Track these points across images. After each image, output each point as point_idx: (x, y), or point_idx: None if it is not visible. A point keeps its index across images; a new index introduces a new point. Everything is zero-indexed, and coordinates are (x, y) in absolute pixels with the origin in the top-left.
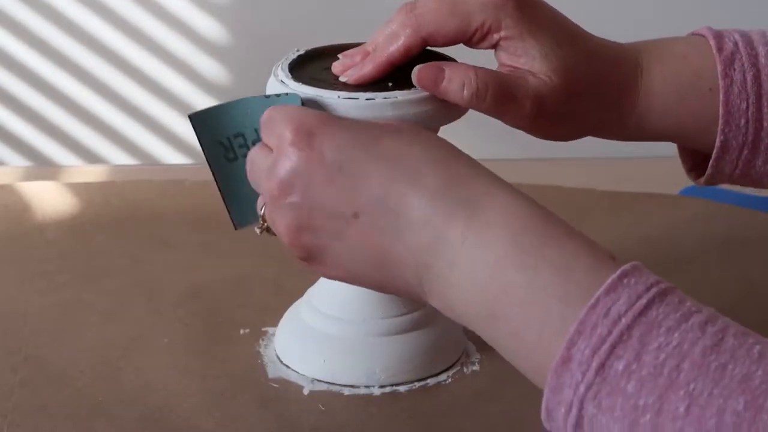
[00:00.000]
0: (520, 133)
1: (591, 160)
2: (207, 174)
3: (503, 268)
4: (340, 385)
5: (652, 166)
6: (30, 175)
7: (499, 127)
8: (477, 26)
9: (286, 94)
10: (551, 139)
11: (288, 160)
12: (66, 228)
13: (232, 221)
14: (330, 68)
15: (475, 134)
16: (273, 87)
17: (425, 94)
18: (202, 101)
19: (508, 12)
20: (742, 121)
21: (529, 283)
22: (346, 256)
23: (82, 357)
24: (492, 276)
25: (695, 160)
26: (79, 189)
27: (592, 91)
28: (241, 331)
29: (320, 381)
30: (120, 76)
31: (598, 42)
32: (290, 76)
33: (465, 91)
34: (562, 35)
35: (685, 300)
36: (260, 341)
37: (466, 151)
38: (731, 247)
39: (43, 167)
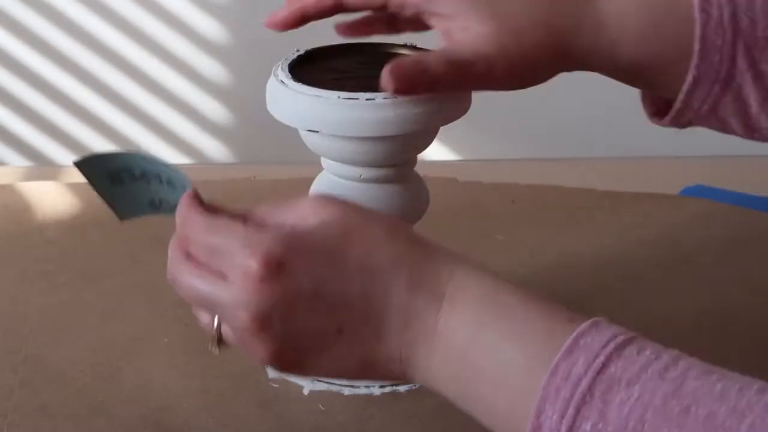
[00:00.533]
0: (520, 133)
1: (591, 160)
2: (207, 174)
3: (469, 351)
4: (340, 385)
5: (652, 166)
6: (31, 175)
7: (499, 127)
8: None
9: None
10: (533, 84)
11: (262, 296)
12: (66, 228)
13: (118, 215)
14: (330, 68)
15: (476, 134)
16: (273, 87)
17: (427, 94)
18: (202, 101)
19: None
20: (717, 58)
21: (493, 360)
22: (332, 364)
23: (82, 357)
24: (461, 359)
25: (657, 105)
26: (79, 189)
27: (541, 30)
28: None
29: (320, 381)
30: (120, 76)
31: None
32: (290, 76)
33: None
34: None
35: (645, 348)
36: None
37: (466, 150)
38: (731, 247)
39: (43, 167)
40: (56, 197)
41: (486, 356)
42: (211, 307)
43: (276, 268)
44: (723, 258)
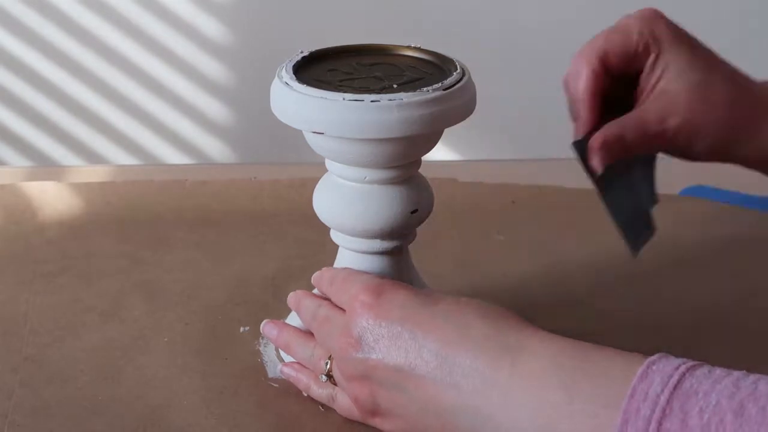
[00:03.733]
0: (520, 133)
1: None
2: (207, 174)
3: (548, 392)
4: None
5: None
6: (31, 176)
7: (499, 127)
8: (637, 37)
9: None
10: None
11: (360, 318)
12: (66, 228)
13: (631, 249)
14: (334, 70)
15: (476, 134)
16: (277, 89)
17: (430, 95)
18: (205, 102)
19: (660, 26)
20: None
21: (573, 398)
22: (406, 406)
23: (82, 357)
24: (539, 401)
25: None
26: (79, 189)
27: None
28: (241, 329)
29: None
30: (122, 76)
31: (735, 79)
32: (294, 77)
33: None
34: (701, 58)
35: (714, 369)
36: (260, 340)
37: (466, 150)
38: (731, 247)
39: (44, 167)
40: (56, 197)
41: (566, 394)
42: (327, 337)
43: (375, 295)
44: (722, 258)
